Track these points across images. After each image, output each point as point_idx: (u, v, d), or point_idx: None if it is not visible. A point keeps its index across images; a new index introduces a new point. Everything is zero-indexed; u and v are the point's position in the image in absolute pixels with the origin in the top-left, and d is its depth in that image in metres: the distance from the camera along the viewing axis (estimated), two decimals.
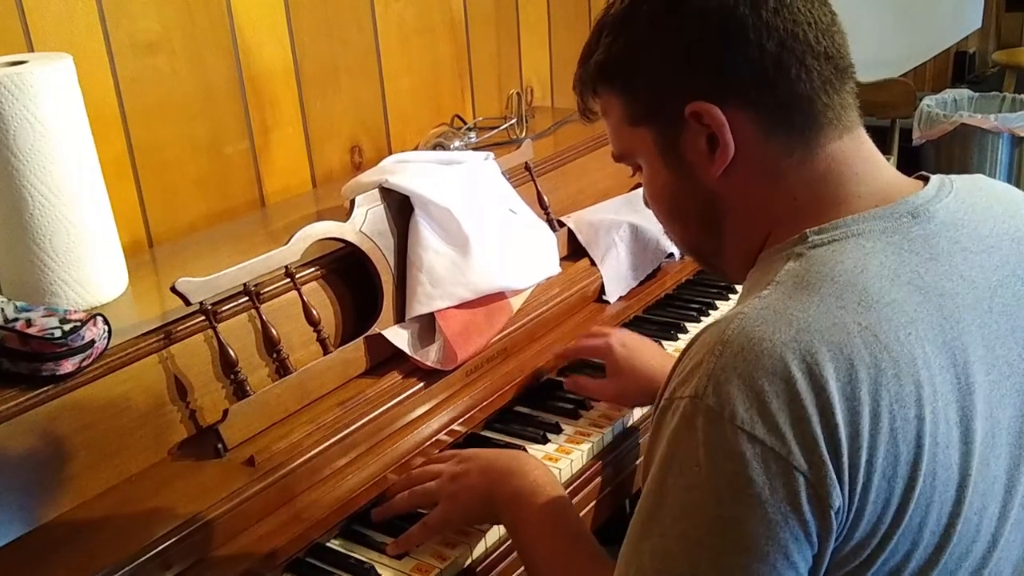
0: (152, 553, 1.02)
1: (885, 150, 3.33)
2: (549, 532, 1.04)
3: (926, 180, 0.88)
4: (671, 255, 1.72)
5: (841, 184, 0.85)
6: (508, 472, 1.10)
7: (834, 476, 0.72)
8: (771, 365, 0.73)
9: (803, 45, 0.83)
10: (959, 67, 5.17)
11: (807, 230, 0.84)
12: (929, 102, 3.89)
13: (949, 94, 4.06)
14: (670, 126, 0.88)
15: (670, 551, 0.76)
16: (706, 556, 0.74)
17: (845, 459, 0.73)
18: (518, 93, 2.01)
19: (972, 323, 0.81)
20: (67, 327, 1.09)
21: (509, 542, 1.15)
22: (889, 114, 3.35)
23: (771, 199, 0.87)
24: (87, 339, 1.10)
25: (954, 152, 3.79)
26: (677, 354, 1.45)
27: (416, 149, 1.84)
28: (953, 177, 0.89)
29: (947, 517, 0.77)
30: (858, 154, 0.87)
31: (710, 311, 1.67)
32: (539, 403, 1.42)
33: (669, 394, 0.80)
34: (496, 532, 1.15)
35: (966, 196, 0.87)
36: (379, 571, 1.08)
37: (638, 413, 1.39)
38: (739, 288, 1.69)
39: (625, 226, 1.68)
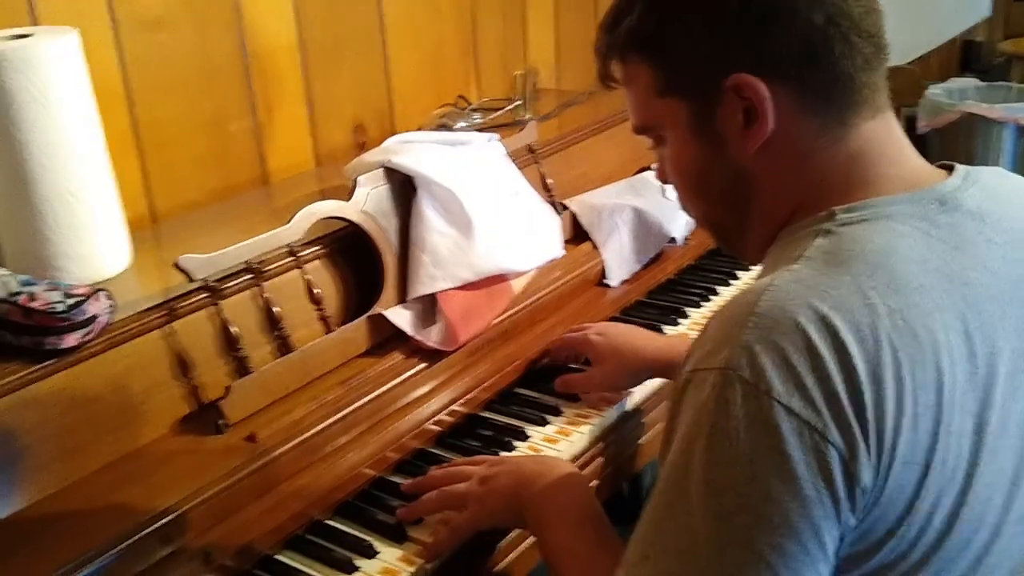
0: (152, 528, 1.02)
1: None
2: (572, 529, 1.02)
3: (949, 169, 0.88)
4: (673, 239, 1.72)
5: (871, 165, 0.85)
6: (535, 475, 1.08)
7: (864, 453, 0.72)
8: (804, 340, 0.73)
9: (850, 21, 0.82)
10: (966, 56, 5.14)
11: (835, 208, 0.83)
12: (935, 90, 3.87)
13: (955, 83, 4.04)
14: (706, 98, 0.85)
15: (696, 529, 0.74)
16: (736, 533, 0.72)
17: (873, 439, 0.73)
18: (523, 74, 2.00)
19: (994, 314, 0.81)
20: (70, 301, 1.09)
21: None
22: (894, 101, 3.34)
23: (800, 177, 0.85)
24: (90, 314, 1.10)
25: (959, 141, 3.77)
26: (668, 334, 1.47)
27: (420, 129, 1.84)
28: (977, 168, 0.89)
29: (953, 505, 0.77)
30: (888, 137, 0.86)
31: (711, 296, 1.67)
32: (539, 385, 1.42)
33: (692, 367, 0.78)
34: None
35: (990, 187, 0.87)
36: (376, 548, 1.08)
37: (639, 395, 1.39)
38: (742, 275, 1.71)
39: (628, 210, 1.68)
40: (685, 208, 0.98)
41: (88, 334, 1.11)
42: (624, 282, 1.67)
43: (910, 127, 3.63)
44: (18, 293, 1.10)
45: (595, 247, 1.67)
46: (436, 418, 1.31)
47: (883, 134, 0.86)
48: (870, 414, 0.72)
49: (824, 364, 0.72)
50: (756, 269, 1.72)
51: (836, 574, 0.77)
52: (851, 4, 0.82)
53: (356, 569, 1.06)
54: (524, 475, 1.09)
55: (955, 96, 3.94)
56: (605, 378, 1.36)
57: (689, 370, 0.79)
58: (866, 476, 0.73)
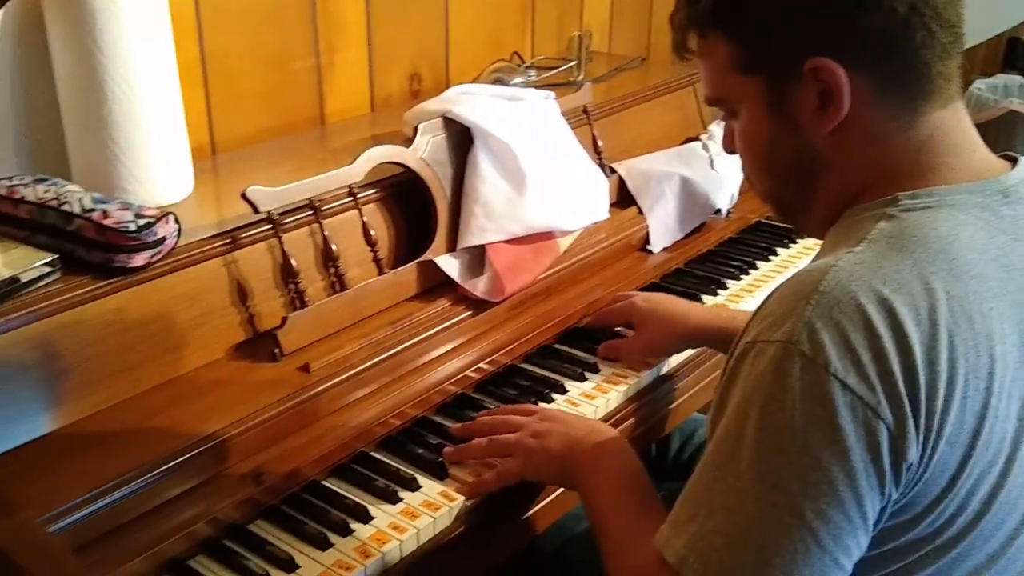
0: (206, 446, 1.07)
1: None
2: (618, 493, 1.03)
3: (1012, 160, 0.90)
4: (718, 211, 1.75)
5: (938, 153, 0.86)
6: (584, 440, 1.10)
7: (913, 432, 0.75)
8: (863, 320, 0.76)
9: (932, 10, 0.83)
10: (1011, 52, 5.08)
11: (899, 193, 0.85)
12: (979, 85, 3.85)
13: (1000, 79, 4.01)
14: (784, 78, 0.86)
15: (745, 491, 0.77)
16: (783, 497, 0.76)
17: (923, 417, 0.76)
18: (580, 35, 2.01)
19: None
20: (141, 222, 1.13)
21: None
22: None
23: (870, 160, 0.87)
24: (159, 235, 1.14)
25: (1000, 138, 3.75)
26: (708, 305, 1.50)
27: (475, 82, 1.86)
28: None
29: (992, 488, 0.81)
30: (958, 126, 0.88)
31: (750, 270, 1.69)
32: (579, 343, 1.45)
33: (752, 338, 0.81)
34: None
35: None
36: (419, 482, 1.13)
37: (674, 361, 1.42)
38: (781, 251, 1.73)
39: (676, 178, 1.70)
40: (750, 181, 1.00)
41: (156, 255, 1.15)
42: (665, 249, 1.69)
43: None
44: (92, 210, 1.14)
45: (640, 212, 1.69)
46: (477, 365, 1.34)
47: (952, 124, 0.87)
48: (922, 394, 0.76)
49: (881, 343, 0.75)
50: (796, 247, 1.76)
51: (873, 544, 0.80)
52: None
53: (399, 500, 1.10)
54: (574, 438, 1.10)
55: (999, 92, 3.92)
56: (647, 344, 1.39)
57: (748, 341, 0.81)
58: (912, 452, 0.76)
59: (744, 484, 0.78)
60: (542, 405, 1.28)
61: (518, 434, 1.14)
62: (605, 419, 1.30)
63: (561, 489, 1.18)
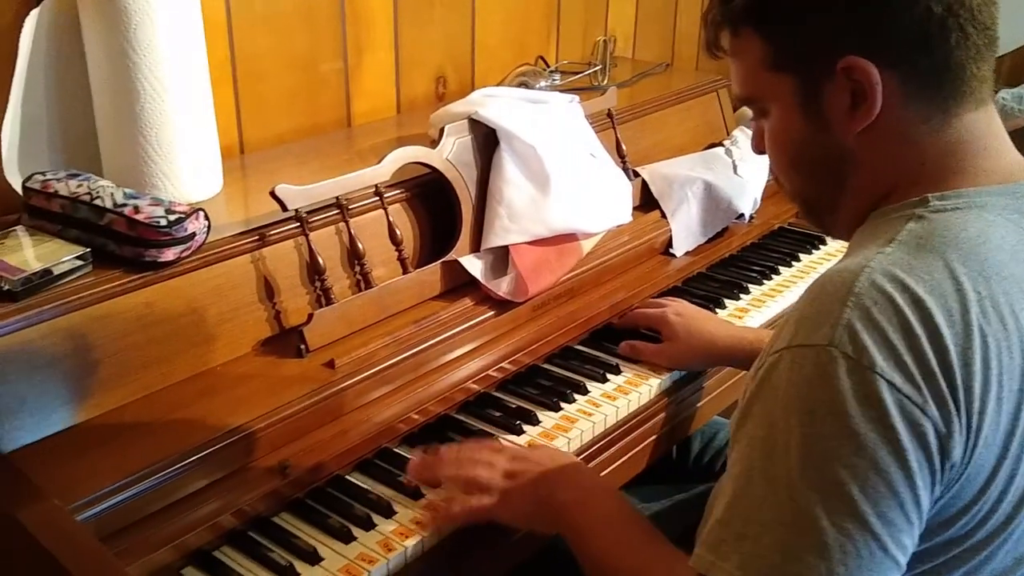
0: (232, 440, 1.08)
1: None
2: (619, 530, 1.00)
3: None
4: (741, 216, 1.75)
5: (969, 156, 0.86)
6: (562, 481, 1.06)
7: (958, 431, 0.76)
8: (901, 321, 0.76)
9: (967, 11, 0.83)
10: None
11: (929, 194, 0.85)
12: (1005, 95, 3.83)
13: None
14: (816, 77, 0.87)
15: (798, 501, 0.76)
16: (842, 504, 0.75)
17: (964, 417, 0.76)
18: (604, 40, 2.03)
19: None
20: (172, 217, 1.14)
21: None
22: None
23: (900, 161, 0.87)
24: (189, 231, 1.16)
25: (1022, 148, 3.74)
26: (732, 318, 1.50)
27: (500, 85, 1.87)
28: None
29: (1022, 491, 0.81)
30: (989, 129, 0.88)
31: (773, 275, 1.69)
32: (601, 345, 1.46)
33: (787, 343, 0.80)
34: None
35: None
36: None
37: None
38: (804, 257, 1.73)
39: (700, 182, 1.71)
40: (779, 180, 1.00)
41: (185, 250, 1.16)
42: (688, 253, 1.70)
43: None
44: (124, 205, 1.15)
45: (663, 216, 1.70)
46: (499, 365, 1.35)
47: (984, 126, 0.87)
48: (961, 394, 0.76)
49: (920, 344, 0.76)
50: (818, 252, 1.76)
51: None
52: None
53: (422, 495, 1.11)
54: (552, 481, 1.06)
55: None
56: (673, 356, 1.39)
57: (782, 347, 0.80)
58: (956, 452, 0.76)
59: (796, 493, 0.76)
60: (563, 406, 1.29)
61: (489, 473, 1.08)
62: (627, 420, 1.31)
63: None
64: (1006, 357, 0.78)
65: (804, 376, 0.77)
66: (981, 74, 0.86)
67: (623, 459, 1.28)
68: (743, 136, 1.89)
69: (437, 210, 1.44)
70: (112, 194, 1.17)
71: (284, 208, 1.22)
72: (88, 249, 1.13)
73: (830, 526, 0.75)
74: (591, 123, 1.65)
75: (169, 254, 1.15)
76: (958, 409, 0.76)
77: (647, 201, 1.73)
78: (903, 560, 0.77)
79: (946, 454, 0.76)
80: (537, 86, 1.86)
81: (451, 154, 1.42)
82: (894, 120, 0.86)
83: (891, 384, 0.75)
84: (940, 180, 0.86)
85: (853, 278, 0.79)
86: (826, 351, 0.76)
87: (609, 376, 1.37)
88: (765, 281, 1.68)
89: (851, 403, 0.75)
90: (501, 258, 1.44)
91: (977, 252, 0.80)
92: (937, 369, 0.76)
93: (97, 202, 1.16)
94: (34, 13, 1.25)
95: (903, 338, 0.76)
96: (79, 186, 1.18)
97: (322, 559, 1.01)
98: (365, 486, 1.13)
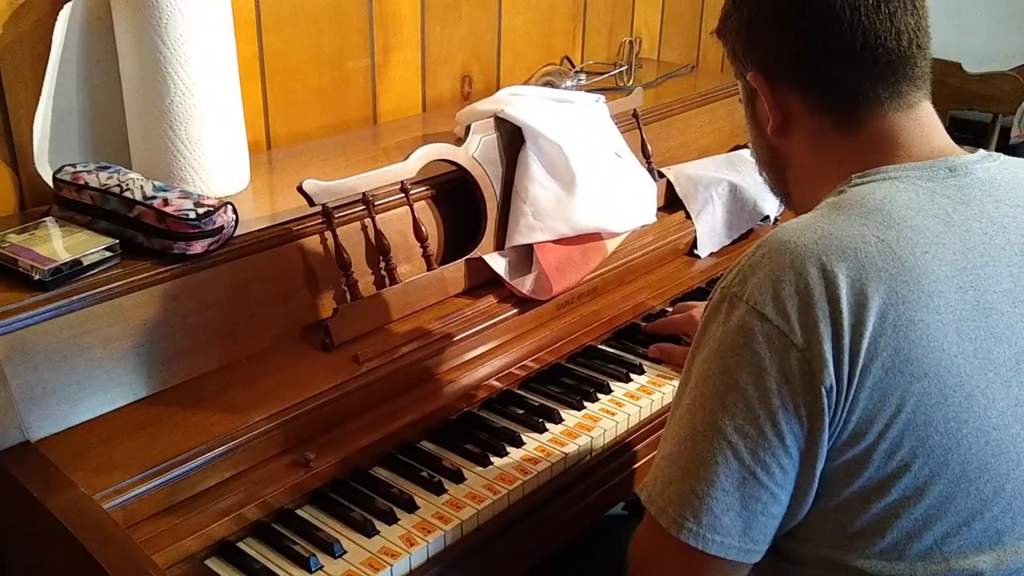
0: (257, 432, 1.09)
1: (983, 146, 3.26)
2: None
3: None
4: (766, 218, 1.74)
5: (885, 151, 0.93)
6: None
7: (828, 356, 0.81)
8: (790, 261, 0.84)
9: (859, 34, 0.90)
10: None
11: (852, 175, 0.93)
12: None
13: None
14: (749, 87, 1.00)
15: (683, 416, 0.89)
16: (707, 416, 0.85)
17: (845, 342, 0.81)
18: (630, 41, 2.02)
19: (1000, 261, 0.87)
20: (201, 210, 1.15)
21: None
22: (992, 108, 3.27)
23: (821, 161, 0.97)
24: (218, 224, 1.16)
25: None
26: None
27: (525, 85, 1.87)
28: (1002, 155, 0.96)
29: (954, 422, 0.83)
30: (907, 127, 0.93)
31: None
32: (624, 344, 1.46)
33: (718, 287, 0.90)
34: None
35: (1010, 166, 0.94)
36: (465, 474, 1.14)
37: None
38: None
39: (725, 184, 1.70)
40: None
41: (214, 243, 1.17)
42: (712, 254, 1.69)
43: (1004, 136, 3.57)
44: (153, 197, 1.16)
45: (688, 217, 1.70)
46: (523, 363, 1.35)
47: (900, 127, 0.93)
48: (845, 320, 0.81)
49: (805, 280, 0.82)
50: None
51: (829, 490, 0.86)
52: (869, 9, 0.90)
53: (444, 491, 1.11)
54: None
55: None
56: None
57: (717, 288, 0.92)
58: (828, 376, 0.81)
59: (682, 410, 0.89)
60: (586, 404, 1.29)
61: None
62: (650, 420, 1.31)
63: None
64: (903, 289, 0.82)
65: (704, 317, 0.90)
66: (884, 91, 0.92)
67: (646, 459, 1.28)
68: None
69: (461, 207, 1.44)
70: (142, 186, 1.18)
71: (311, 203, 1.23)
72: (117, 241, 1.15)
73: (696, 436, 0.86)
74: (616, 123, 1.65)
75: (197, 247, 1.16)
76: (837, 335, 0.81)
77: (672, 202, 1.72)
78: (768, 480, 0.84)
79: (815, 376, 0.81)
80: (563, 86, 1.86)
81: (477, 152, 1.43)
82: (805, 128, 0.97)
83: (761, 315, 0.83)
84: (863, 171, 0.93)
85: (766, 236, 0.88)
86: (721, 292, 0.88)
87: (632, 376, 1.37)
88: None
89: (724, 332, 0.86)
90: (525, 256, 1.44)
91: (881, 208, 0.87)
92: (818, 301, 0.82)
93: (127, 194, 1.17)
94: (67, 7, 1.27)
95: (786, 276, 0.83)
96: (109, 178, 1.19)
97: (344, 552, 1.02)
98: (388, 480, 1.13)
